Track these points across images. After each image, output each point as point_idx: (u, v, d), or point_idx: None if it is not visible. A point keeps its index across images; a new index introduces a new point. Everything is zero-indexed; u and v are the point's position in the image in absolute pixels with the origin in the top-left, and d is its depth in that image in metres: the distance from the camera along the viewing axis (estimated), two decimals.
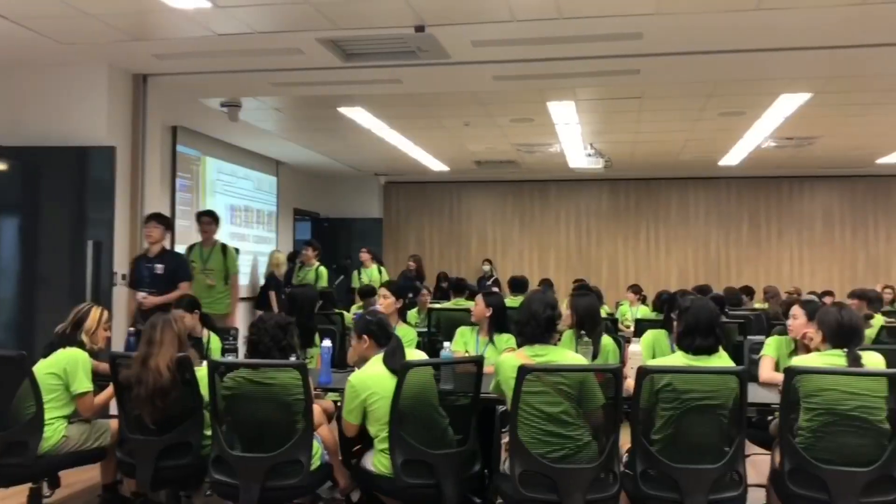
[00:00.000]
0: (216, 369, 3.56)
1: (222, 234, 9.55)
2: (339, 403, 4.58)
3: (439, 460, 3.57)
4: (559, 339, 5.12)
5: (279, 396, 3.53)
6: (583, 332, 4.74)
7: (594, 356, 4.53)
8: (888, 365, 3.65)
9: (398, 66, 6.60)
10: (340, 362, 5.04)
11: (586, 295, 4.89)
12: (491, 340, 4.96)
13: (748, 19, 5.48)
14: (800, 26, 5.63)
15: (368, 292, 7.94)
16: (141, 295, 6.09)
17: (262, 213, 11.30)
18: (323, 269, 10.04)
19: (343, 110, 8.54)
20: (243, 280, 10.71)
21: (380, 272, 10.56)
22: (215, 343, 5.11)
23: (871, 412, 3.32)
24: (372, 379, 3.63)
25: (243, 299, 10.65)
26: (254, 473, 3.48)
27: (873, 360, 3.63)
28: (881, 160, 11.72)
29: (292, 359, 3.83)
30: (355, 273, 10.80)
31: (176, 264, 6.36)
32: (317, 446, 3.72)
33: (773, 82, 7.41)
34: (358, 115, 8.75)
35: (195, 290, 6.62)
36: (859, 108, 8.42)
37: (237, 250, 8.74)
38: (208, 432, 3.76)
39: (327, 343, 4.38)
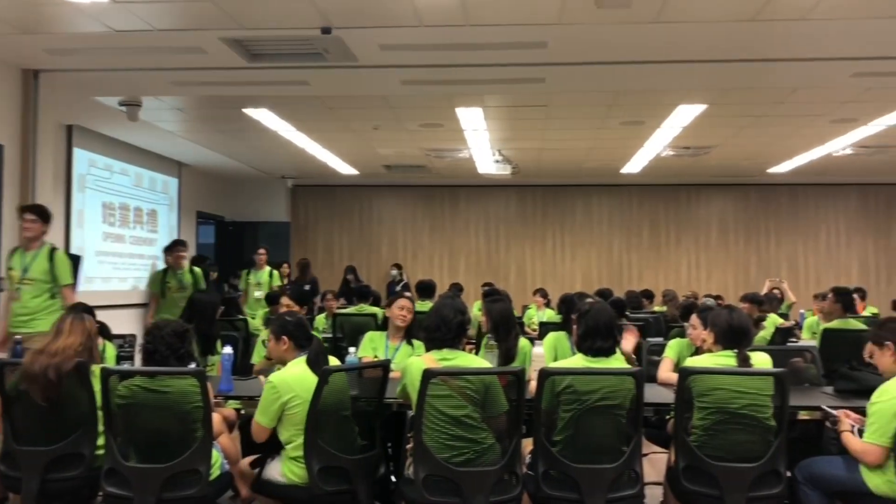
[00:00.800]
0: (110, 377, 3.41)
1: (94, 235, 9.11)
2: (241, 411, 4.49)
3: (354, 465, 3.55)
4: (478, 347, 5.15)
5: (176, 405, 3.41)
6: (489, 335, 4.78)
7: (511, 359, 4.57)
8: (775, 365, 3.83)
9: (304, 68, 6.53)
10: (243, 369, 4.93)
11: (500, 300, 4.93)
12: (409, 343, 4.95)
13: (647, 32, 5.67)
14: (696, 40, 5.87)
15: (275, 298, 7.80)
16: None
17: (142, 212, 10.41)
18: (197, 270, 8.87)
19: (248, 111, 8.38)
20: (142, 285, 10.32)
21: (270, 276, 9.80)
22: (110, 351, 4.90)
23: (758, 410, 3.48)
24: (295, 380, 3.53)
25: (145, 305, 10.27)
26: (149, 485, 3.35)
27: (761, 360, 3.81)
28: (771, 169, 12.33)
29: (192, 366, 3.71)
30: (244, 273, 9.88)
31: None
32: (216, 455, 3.62)
33: (671, 93, 7.69)
34: (264, 116, 8.60)
35: (17, 305, 5.64)
36: (751, 119, 8.84)
37: (76, 256, 7.42)
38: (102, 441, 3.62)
39: (228, 350, 4.28)
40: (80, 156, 8.95)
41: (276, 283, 9.70)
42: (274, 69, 6.53)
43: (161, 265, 10.46)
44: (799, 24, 5.48)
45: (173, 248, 8.83)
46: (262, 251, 9.88)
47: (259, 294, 9.41)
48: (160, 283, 8.63)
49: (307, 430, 3.44)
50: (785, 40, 5.86)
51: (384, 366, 3.82)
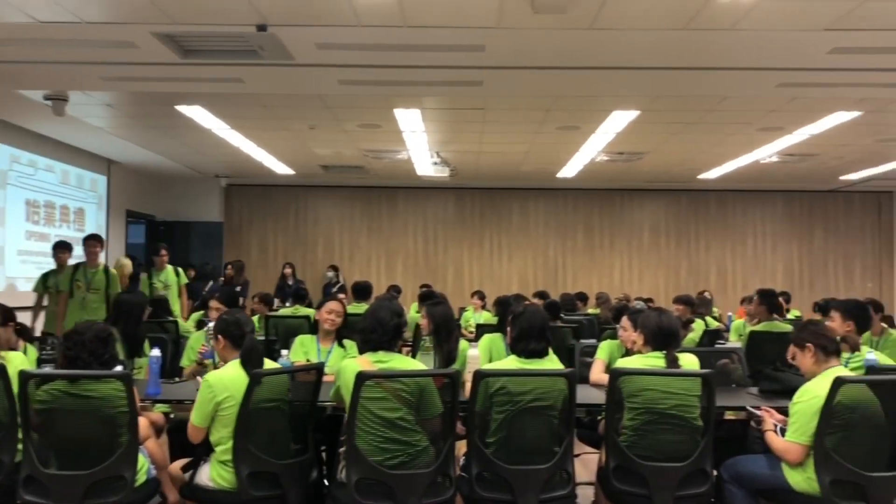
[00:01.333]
0: (28, 380, 3.28)
1: (16, 233, 8.75)
2: (171, 415, 4.38)
3: (285, 470, 3.49)
4: (415, 349, 5.13)
5: (101, 409, 3.30)
6: (425, 337, 4.77)
7: (452, 362, 4.56)
8: (702, 366, 3.92)
9: (239, 65, 6.41)
10: (172, 372, 4.81)
11: (440, 303, 4.94)
12: (341, 345, 4.91)
13: (583, 38, 5.75)
14: (629, 47, 5.97)
15: (206, 301, 7.60)
16: None
17: (68, 211, 10.13)
18: (113, 273, 7.88)
19: (181, 108, 8.19)
20: None
21: (177, 274, 8.89)
22: (31, 354, 4.72)
23: (686, 410, 3.55)
24: (231, 380, 3.46)
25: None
26: (70, 492, 3.24)
27: (688, 361, 3.90)
28: (702, 175, 12.66)
29: (118, 368, 3.60)
30: (144, 277, 8.77)
31: None
32: (143, 461, 3.52)
33: (605, 99, 7.82)
34: (197, 113, 8.42)
35: None
36: (682, 126, 9.05)
37: None
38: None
39: (156, 352, 4.16)
40: (2, 151, 8.64)
41: (184, 281, 8.93)
42: (208, 66, 6.39)
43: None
44: (727, 34, 5.63)
45: (85, 243, 7.76)
46: (164, 252, 8.90)
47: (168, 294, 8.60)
48: (69, 280, 7.54)
49: (236, 434, 3.37)
50: (714, 49, 6.02)
51: (318, 369, 3.78)
